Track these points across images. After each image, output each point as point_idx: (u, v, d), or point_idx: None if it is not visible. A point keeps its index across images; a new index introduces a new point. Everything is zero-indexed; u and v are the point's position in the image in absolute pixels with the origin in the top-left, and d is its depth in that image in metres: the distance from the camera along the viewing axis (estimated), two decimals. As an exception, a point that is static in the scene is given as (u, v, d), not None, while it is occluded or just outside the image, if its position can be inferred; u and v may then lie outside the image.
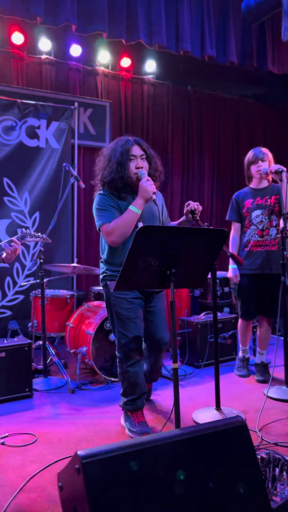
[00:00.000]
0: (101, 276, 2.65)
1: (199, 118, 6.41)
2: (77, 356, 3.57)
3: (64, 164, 3.95)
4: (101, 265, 2.66)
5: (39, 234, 2.78)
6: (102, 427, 2.66)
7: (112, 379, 3.45)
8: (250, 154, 3.49)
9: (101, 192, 2.54)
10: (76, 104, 5.13)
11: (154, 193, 2.38)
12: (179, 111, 6.22)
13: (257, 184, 3.50)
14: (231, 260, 3.53)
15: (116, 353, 2.56)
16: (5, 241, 2.29)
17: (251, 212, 3.45)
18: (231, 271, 3.53)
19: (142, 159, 2.49)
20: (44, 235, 2.88)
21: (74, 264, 3.92)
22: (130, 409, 2.56)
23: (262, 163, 3.40)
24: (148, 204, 2.48)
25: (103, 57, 5.46)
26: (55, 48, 5.23)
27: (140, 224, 2.48)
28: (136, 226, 2.45)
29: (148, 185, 2.37)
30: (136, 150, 2.48)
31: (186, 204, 2.54)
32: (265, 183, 3.48)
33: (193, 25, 4.86)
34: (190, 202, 2.51)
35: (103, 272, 2.62)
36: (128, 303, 2.51)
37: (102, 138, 5.51)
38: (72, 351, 3.76)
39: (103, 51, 5.42)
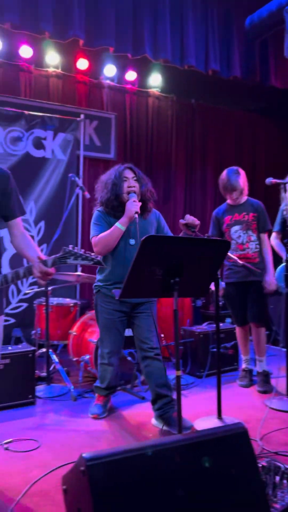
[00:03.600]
0: (94, 285, 3.05)
1: (203, 131, 6.50)
2: (80, 364, 3.60)
3: (70, 175, 4.02)
4: (97, 274, 3.05)
5: (90, 254, 1.95)
6: (104, 434, 2.69)
7: (114, 387, 3.47)
8: (224, 181, 3.56)
9: (98, 209, 2.92)
10: (82, 116, 5.22)
11: (136, 212, 2.70)
12: (183, 124, 6.31)
13: (234, 201, 3.59)
14: None
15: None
16: (28, 265, 1.92)
17: (230, 228, 3.56)
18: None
19: (134, 180, 2.86)
20: (96, 256, 1.97)
21: (79, 273, 3.97)
22: (97, 391, 3.04)
23: (234, 193, 3.51)
24: (144, 222, 2.84)
25: (109, 70, 5.56)
26: (63, 62, 5.34)
27: (132, 241, 2.81)
28: (128, 243, 2.80)
29: (131, 205, 2.72)
30: (128, 173, 2.86)
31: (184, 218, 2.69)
32: (242, 199, 3.57)
33: (198, 40, 4.97)
34: (187, 215, 2.67)
35: (96, 282, 3.03)
36: (109, 314, 2.89)
37: (107, 150, 5.60)
38: (74, 359, 3.78)
39: (109, 65, 5.53)
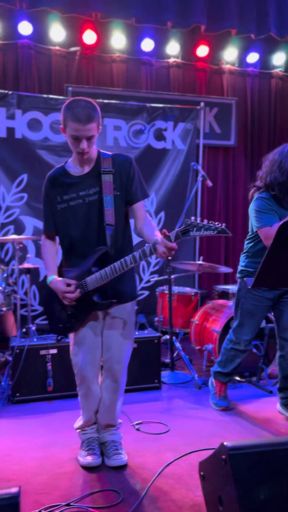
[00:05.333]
0: (240, 268, 2.81)
1: None
2: (203, 353, 3.60)
3: (192, 164, 4.01)
4: (243, 258, 2.80)
5: (213, 223, 1.83)
6: (231, 425, 2.65)
7: (239, 378, 3.41)
8: None
9: (263, 195, 2.56)
10: (202, 104, 5.16)
11: None
12: (309, 103, 5.89)
13: None
14: None
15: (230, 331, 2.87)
16: (153, 242, 1.91)
17: None
18: None
19: None
20: (220, 225, 1.84)
21: (200, 262, 3.96)
22: (217, 378, 2.92)
23: None
24: None
25: (230, 54, 5.40)
26: (182, 51, 5.34)
27: None
28: None
29: None
30: None
31: None
32: None
33: None
34: None
35: (244, 266, 2.77)
36: (257, 301, 2.70)
37: (227, 137, 5.47)
38: (197, 348, 3.80)
39: (229, 48, 5.37)
